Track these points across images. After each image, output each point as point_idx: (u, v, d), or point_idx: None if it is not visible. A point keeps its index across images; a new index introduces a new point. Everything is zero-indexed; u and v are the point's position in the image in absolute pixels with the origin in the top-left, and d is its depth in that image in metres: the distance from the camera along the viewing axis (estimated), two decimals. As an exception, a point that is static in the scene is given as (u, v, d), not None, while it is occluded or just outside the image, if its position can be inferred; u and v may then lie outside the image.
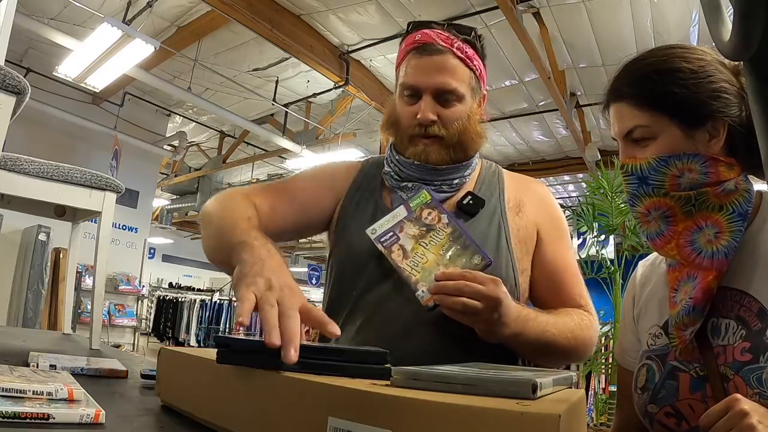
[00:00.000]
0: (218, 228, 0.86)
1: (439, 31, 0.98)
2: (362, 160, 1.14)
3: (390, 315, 0.91)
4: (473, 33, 1.01)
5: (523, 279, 0.97)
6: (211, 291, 10.23)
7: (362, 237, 0.94)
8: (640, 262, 0.97)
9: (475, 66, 0.99)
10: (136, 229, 6.66)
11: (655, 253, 0.94)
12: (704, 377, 0.72)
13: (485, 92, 1.06)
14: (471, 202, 0.98)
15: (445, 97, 0.96)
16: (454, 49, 0.96)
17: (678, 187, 0.75)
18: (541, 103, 5.41)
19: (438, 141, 0.97)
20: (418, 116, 0.95)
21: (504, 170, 1.08)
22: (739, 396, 0.60)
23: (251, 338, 0.60)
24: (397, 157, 1.03)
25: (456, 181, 1.01)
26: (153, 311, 9.26)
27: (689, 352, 0.75)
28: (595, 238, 3.57)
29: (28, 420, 0.55)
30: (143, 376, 0.96)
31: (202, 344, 8.61)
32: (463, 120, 0.98)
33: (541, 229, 1.01)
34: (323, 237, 1.11)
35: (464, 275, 0.79)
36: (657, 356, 0.79)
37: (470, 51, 0.98)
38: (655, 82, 0.77)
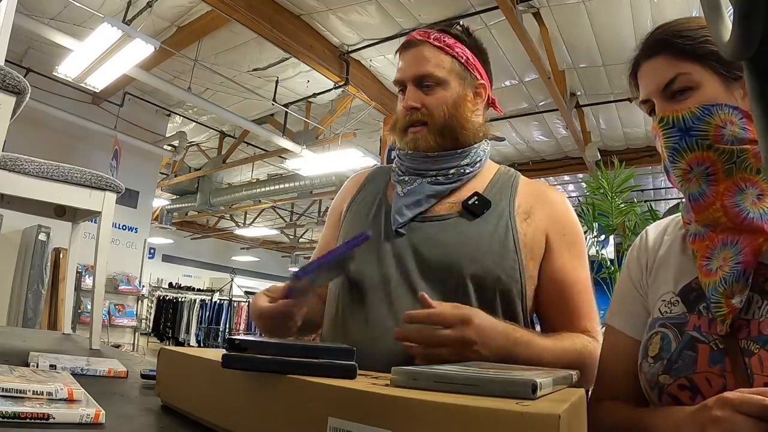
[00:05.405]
0: None
1: (421, 30, 1.05)
2: (373, 167, 1.20)
3: (377, 308, 0.93)
4: (456, 24, 1.05)
5: (529, 285, 0.95)
6: (211, 291, 10.23)
7: (353, 233, 1.01)
8: (649, 227, 0.92)
9: (457, 53, 1.01)
10: (136, 229, 6.66)
11: (666, 219, 0.91)
12: (724, 350, 0.69)
13: (483, 82, 1.05)
14: (477, 202, 0.98)
15: (426, 83, 1.00)
16: (431, 40, 1.01)
17: (722, 139, 0.72)
18: (541, 103, 5.40)
19: (425, 127, 1.00)
20: (403, 105, 1.01)
21: (522, 177, 1.07)
22: (726, 397, 0.57)
23: (263, 340, 0.60)
24: (398, 152, 1.07)
25: (452, 171, 1.00)
26: (153, 311, 9.27)
27: (709, 322, 0.72)
28: (595, 238, 3.58)
29: (28, 420, 0.55)
30: (143, 376, 0.96)
31: (202, 344, 8.62)
32: (448, 105, 0.99)
33: (551, 238, 0.97)
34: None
35: (430, 316, 0.77)
36: (673, 324, 0.76)
37: (449, 40, 1.02)
38: (694, 33, 0.76)
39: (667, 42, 0.78)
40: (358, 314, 0.95)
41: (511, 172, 1.07)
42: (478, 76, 1.04)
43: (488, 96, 1.07)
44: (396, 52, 1.07)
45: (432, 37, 1.01)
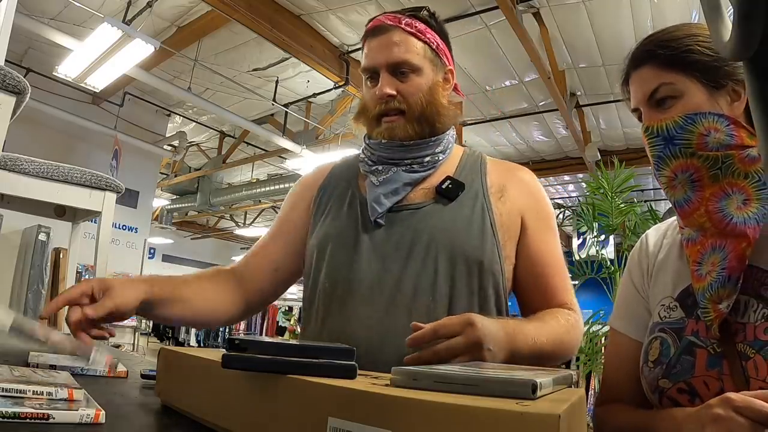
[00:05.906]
0: None
1: (388, 14, 1.01)
2: (337, 160, 1.16)
3: (358, 303, 0.92)
4: (423, 9, 1.03)
5: (507, 266, 0.95)
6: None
7: (327, 227, 0.99)
8: (650, 231, 0.93)
9: (428, 39, 1.00)
10: (136, 229, 6.66)
11: (666, 222, 0.92)
12: (721, 354, 0.70)
13: (451, 68, 1.05)
14: (450, 186, 0.97)
15: (400, 70, 0.98)
16: (402, 25, 0.98)
17: (705, 146, 0.73)
18: (541, 103, 5.41)
19: (401, 116, 0.98)
20: (377, 93, 0.98)
21: (488, 157, 1.07)
22: (729, 398, 0.57)
23: (263, 340, 0.60)
24: (368, 142, 1.04)
25: (427, 159, 0.99)
26: (153, 311, 9.25)
27: (706, 327, 0.73)
28: (595, 238, 3.58)
29: (28, 420, 0.55)
30: (143, 376, 0.96)
31: (202, 344, 8.62)
32: (424, 92, 0.98)
33: (526, 217, 0.98)
34: None
35: (436, 330, 0.73)
36: (672, 329, 0.77)
37: (420, 25, 1.00)
38: (677, 43, 0.78)
39: (651, 52, 0.79)
40: (339, 311, 0.93)
41: (476, 153, 1.07)
42: (447, 62, 1.04)
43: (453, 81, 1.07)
44: (363, 39, 1.03)
45: (403, 22, 0.98)
